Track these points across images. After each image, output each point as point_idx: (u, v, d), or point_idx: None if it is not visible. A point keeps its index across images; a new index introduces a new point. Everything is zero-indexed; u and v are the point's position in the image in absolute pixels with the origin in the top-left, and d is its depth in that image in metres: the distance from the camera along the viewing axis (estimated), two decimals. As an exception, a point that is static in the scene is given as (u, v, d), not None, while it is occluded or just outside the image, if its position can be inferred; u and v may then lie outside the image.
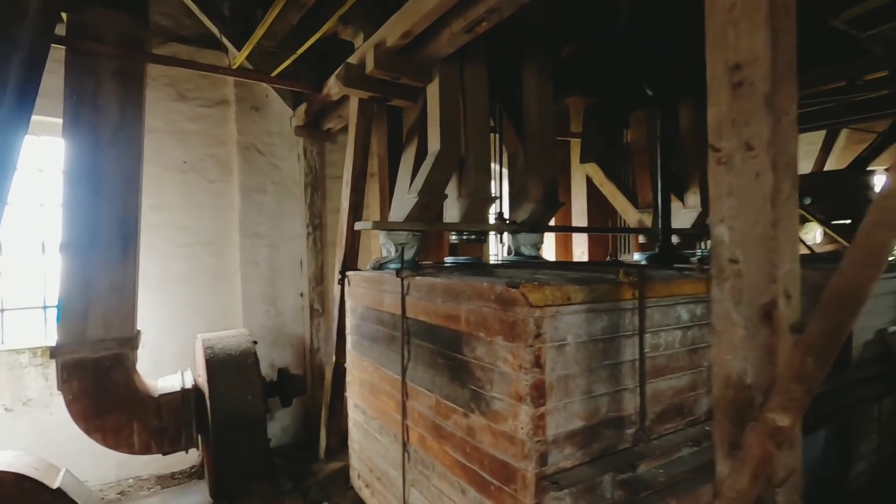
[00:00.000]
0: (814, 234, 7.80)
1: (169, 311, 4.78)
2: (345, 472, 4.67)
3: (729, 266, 1.40)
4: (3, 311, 4.36)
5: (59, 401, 3.72)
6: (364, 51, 3.44)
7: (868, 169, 6.77)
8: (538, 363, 1.80)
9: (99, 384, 3.50)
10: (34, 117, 4.28)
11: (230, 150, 5.10)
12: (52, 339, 3.82)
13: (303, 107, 4.97)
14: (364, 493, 3.28)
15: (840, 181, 7.23)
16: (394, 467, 2.81)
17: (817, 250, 7.11)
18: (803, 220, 7.30)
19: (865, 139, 7.04)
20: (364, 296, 3.18)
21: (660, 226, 3.78)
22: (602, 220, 6.15)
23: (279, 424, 5.23)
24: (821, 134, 7.60)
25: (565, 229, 5.52)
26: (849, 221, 6.85)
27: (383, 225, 3.31)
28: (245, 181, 5.07)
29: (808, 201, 7.21)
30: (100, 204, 3.50)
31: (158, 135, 4.74)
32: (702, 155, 4.98)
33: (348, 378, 3.49)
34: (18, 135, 2.33)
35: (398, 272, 2.65)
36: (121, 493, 4.39)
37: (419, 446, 2.53)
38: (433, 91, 3.50)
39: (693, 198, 5.01)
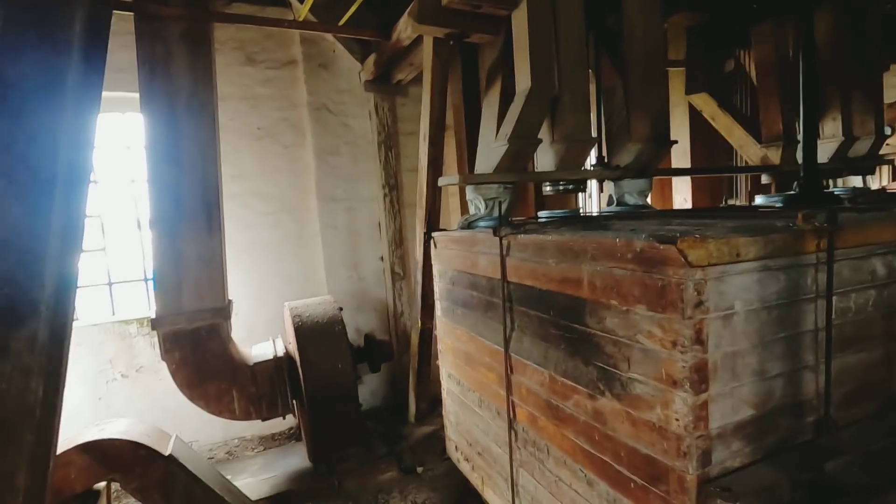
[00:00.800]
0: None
1: (258, 279, 4.81)
2: (436, 437, 4.59)
3: None
4: (111, 284, 4.59)
5: (166, 368, 3.87)
6: (439, -22, 2.99)
7: None
8: (699, 339, 1.40)
9: (197, 353, 3.56)
10: (118, 94, 4.36)
11: (301, 112, 4.91)
12: (153, 312, 3.97)
13: (371, 58, 4.63)
14: (463, 467, 3.10)
15: None
16: (497, 444, 2.57)
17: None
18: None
19: None
20: (454, 258, 2.88)
21: (804, 158, 3.08)
22: (709, 161, 5.35)
23: (368, 388, 5.23)
24: None
25: (679, 172, 4.83)
26: None
27: (471, 178, 2.95)
28: (318, 143, 4.89)
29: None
30: (181, 175, 3.44)
31: (232, 101, 4.64)
32: (846, 72, 4.06)
33: (439, 346, 3.26)
34: (91, 107, 2.19)
35: (495, 230, 2.30)
36: (228, 452, 4.61)
37: (529, 426, 2.24)
38: (520, 18, 2.99)
39: (832, 126, 4.14)
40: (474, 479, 2.93)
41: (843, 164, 4.31)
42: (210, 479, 3.24)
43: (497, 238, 2.29)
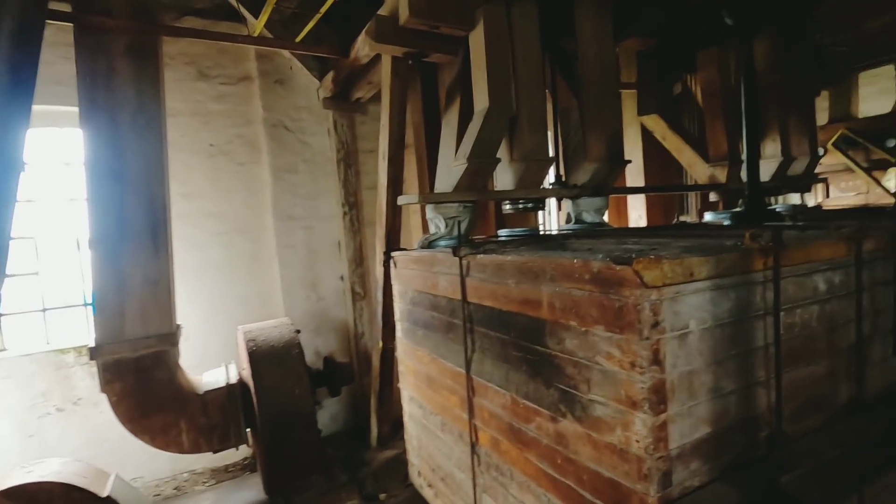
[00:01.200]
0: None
1: (210, 301, 4.59)
2: (399, 461, 4.45)
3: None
4: (45, 310, 4.26)
5: (104, 400, 3.60)
6: (396, -2, 2.99)
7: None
8: (656, 359, 1.40)
9: (141, 384, 3.33)
10: (56, 108, 4.12)
11: (257, 129, 4.79)
12: (91, 339, 3.70)
13: (330, 75, 4.58)
14: (426, 493, 3.00)
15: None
16: (460, 469, 2.50)
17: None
18: (887, 166, 6.47)
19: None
20: (414, 278, 2.83)
21: (747, 178, 3.23)
22: (662, 179, 5.56)
23: (327, 413, 5.05)
24: (902, 67, 6.65)
25: (634, 190, 4.98)
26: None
27: (431, 197, 2.93)
28: (275, 161, 4.77)
29: (892, 143, 6.38)
30: (125, 194, 3.25)
31: (183, 117, 4.47)
32: (783, 96, 4.32)
33: (401, 368, 3.18)
34: (20, 122, 2.05)
35: (455, 250, 2.27)
36: (176, 488, 4.32)
37: (492, 450, 2.19)
38: (477, 38, 3.03)
39: (772, 146, 4.38)
40: (438, 506, 2.84)
41: (783, 182, 4.55)
42: (154, 520, 3.01)
43: (457, 258, 2.26)
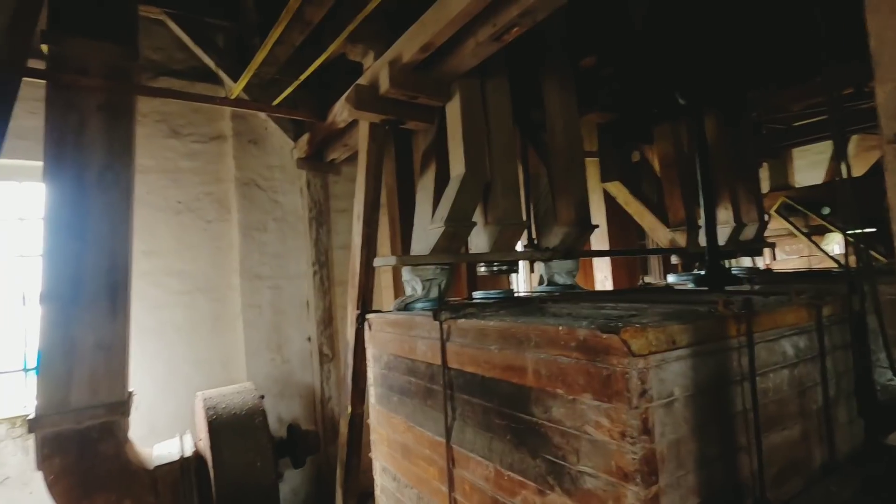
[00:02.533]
0: (837, 243, 7.48)
1: (165, 366, 4.32)
2: (366, 539, 4.15)
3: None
4: (-23, 376, 3.89)
5: (40, 477, 3.23)
6: (377, 69, 3.14)
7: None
8: (646, 428, 1.40)
9: (85, 459, 3.03)
10: (13, 161, 3.98)
11: (228, 187, 4.75)
12: (31, 409, 3.37)
13: (305, 137, 4.66)
14: (400, 577, 2.78)
15: (860, 189, 6.98)
16: (439, 549, 2.35)
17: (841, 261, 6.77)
18: (824, 231, 7.01)
19: (877, 145, 6.82)
20: (390, 342, 2.77)
21: (707, 243, 3.42)
22: (624, 242, 5.80)
23: (288, 485, 4.70)
24: (829, 143, 7.41)
25: (603, 253, 5.16)
26: (873, 230, 6.59)
27: (408, 260, 2.93)
28: (245, 219, 4.70)
29: (826, 211, 6.93)
30: (84, 252, 3.10)
31: (150, 174, 4.40)
32: (731, 168, 4.69)
33: (373, 437, 3.04)
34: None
35: (435, 314, 2.25)
36: (112, 580, 3.82)
37: (474, 527, 2.08)
38: (454, 109, 3.19)
39: (724, 213, 4.70)
40: (412, 592, 2.63)
41: (736, 246, 4.85)
42: None
43: (437, 322, 2.25)
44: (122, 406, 3.18)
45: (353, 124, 4.07)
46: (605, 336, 1.44)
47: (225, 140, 4.79)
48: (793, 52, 4.24)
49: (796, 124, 6.94)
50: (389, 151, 4.68)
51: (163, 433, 3.99)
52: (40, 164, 3.42)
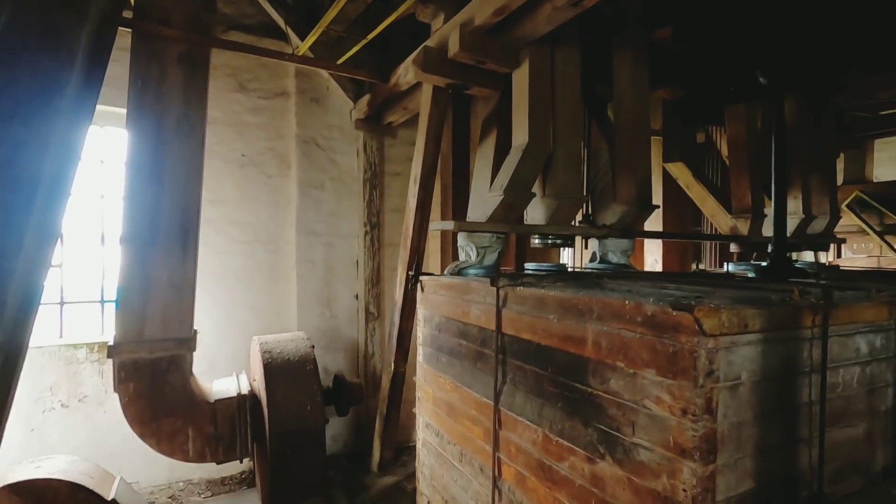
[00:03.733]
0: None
1: (224, 310, 4.60)
2: (399, 490, 4.37)
3: None
4: (62, 303, 4.26)
5: (113, 399, 3.55)
6: (446, 32, 3.10)
7: None
8: (709, 408, 1.40)
9: (155, 387, 3.31)
10: (100, 107, 4.22)
11: (289, 143, 4.88)
12: (109, 335, 3.68)
13: (366, 98, 4.69)
14: (435, 525, 2.93)
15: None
16: (477, 503, 2.45)
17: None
18: (899, 231, 6.54)
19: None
20: (443, 304, 2.84)
21: (774, 233, 3.27)
22: (679, 227, 5.62)
23: (329, 432, 4.93)
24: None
25: (662, 235, 5.02)
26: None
27: (466, 225, 2.96)
28: (303, 176, 4.84)
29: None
30: (161, 196, 3.30)
31: (218, 126, 4.56)
32: (807, 155, 4.41)
33: (419, 394, 3.16)
34: (84, 120, 2.11)
35: (493, 280, 2.29)
36: (171, 497, 4.23)
37: (516, 486, 2.16)
38: (521, 77, 3.13)
39: (793, 203, 4.44)
40: (447, 540, 2.78)
41: (803, 239, 4.61)
42: (154, 529, 2.94)
43: (494, 288, 2.28)
44: (188, 342, 3.44)
45: (415, 87, 4.06)
46: (676, 313, 1.43)
47: (288, 97, 4.89)
48: (887, 35, 3.88)
49: (882, 113, 6.41)
50: (447, 117, 4.66)
51: (220, 371, 4.28)
52: (120, 110, 3.64)
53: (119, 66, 3.28)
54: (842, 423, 1.78)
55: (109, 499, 2.73)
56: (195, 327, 3.55)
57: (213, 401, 3.50)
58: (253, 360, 3.95)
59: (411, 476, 4.41)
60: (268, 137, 4.81)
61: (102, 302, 4.39)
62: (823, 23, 3.73)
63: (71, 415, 4.05)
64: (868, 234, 6.69)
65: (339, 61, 4.29)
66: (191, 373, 3.50)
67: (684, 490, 1.42)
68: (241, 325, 4.62)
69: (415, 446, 3.31)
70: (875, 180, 7.07)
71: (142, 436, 3.29)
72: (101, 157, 4.44)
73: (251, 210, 4.71)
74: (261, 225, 4.76)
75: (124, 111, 3.26)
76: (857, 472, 1.84)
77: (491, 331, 2.33)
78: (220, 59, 4.52)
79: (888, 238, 6.59)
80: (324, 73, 4.84)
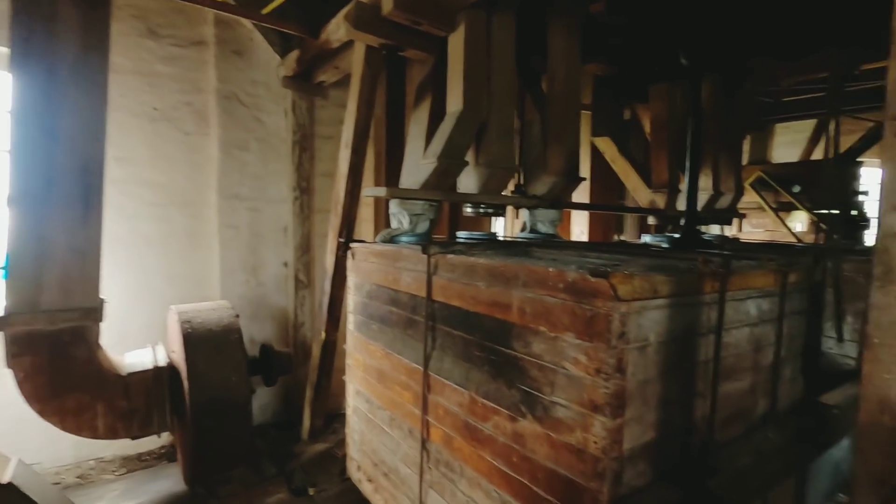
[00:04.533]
0: (800, 221, 7.81)
1: (136, 278, 4.26)
2: (330, 456, 4.38)
3: (903, 265, 1.11)
4: (-64, 271, 3.74)
5: (4, 375, 3.23)
6: (380, -13, 2.96)
7: (857, 160, 6.70)
8: (620, 367, 1.51)
9: (56, 361, 3.03)
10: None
11: (208, 98, 4.51)
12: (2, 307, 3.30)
13: (294, 54, 4.41)
14: (365, 487, 2.99)
15: (829, 171, 7.24)
16: (407, 465, 2.52)
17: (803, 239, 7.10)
18: (791, 208, 7.28)
19: (855, 130, 7.00)
20: (374, 272, 2.81)
21: (686, 207, 3.52)
22: (604, 199, 5.90)
23: (257, 403, 4.82)
24: (810, 122, 7.55)
25: (588, 207, 5.23)
26: (836, 212, 6.89)
27: (399, 192, 2.92)
28: (225, 135, 4.51)
29: (797, 189, 7.17)
30: (56, 150, 2.94)
31: (124, 75, 4.11)
32: (719, 136, 4.75)
33: (349, 361, 3.14)
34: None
35: (424, 248, 2.29)
36: (80, 476, 3.96)
37: (444, 446, 2.23)
38: (457, 41, 3.07)
39: (704, 180, 4.81)
40: (377, 501, 2.84)
41: (711, 213, 5.01)
42: (60, 510, 2.75)
43: (425, 256, 2.28)
44: (94, 312, 3.16)
45: (347, 45, 3.86)
46: (594, 280, 1.51)
47: (206, 47, 4.48)
48: (795, 26, 4.21)
49: (785, 99, 7.01)
50: (381, 81, 4.50)
51: (133, 343, 3.99)
52: (3, 49, 3.17)
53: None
54: (732, 378, 1.99)
55: (5, 482, 2.50)
56: (102, 296, 3.27)
57: (125, 374, 3.28)
58: (171, 331, 3.72)
59: (342, 442, 4.44)
60: (183, 91, 4.40)
61: (-10, 269, 3.90)
62: (741, 10, 3.96)
63: (-45, 394, 3.63)
64: (765, 210, 7.41)
65: (265, 11, 3.97)
66: (98, 345, 3.24)
67: (595, 442, 1.54)
68: (155, 295, 4.31)
69: (344, 414, 3.32)
70: (774, 161, 7.79)
71: (42, 413, 3.03)
72: (-19, 103, 3.86)
73: (165, 170, 4.34)
74: (177, 187, 4.41)
75: (6, 51, 2.84)
76: (741, 419, 2.08)
77: (422, 298, 2.35)
78: (124, -2, 4.03)
79: (781, 214, 7.34)
80: (247, 23, 4.46)
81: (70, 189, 3.00)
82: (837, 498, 2.90)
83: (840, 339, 2.42)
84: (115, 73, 3.95)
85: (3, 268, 2.89)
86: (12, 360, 2.93)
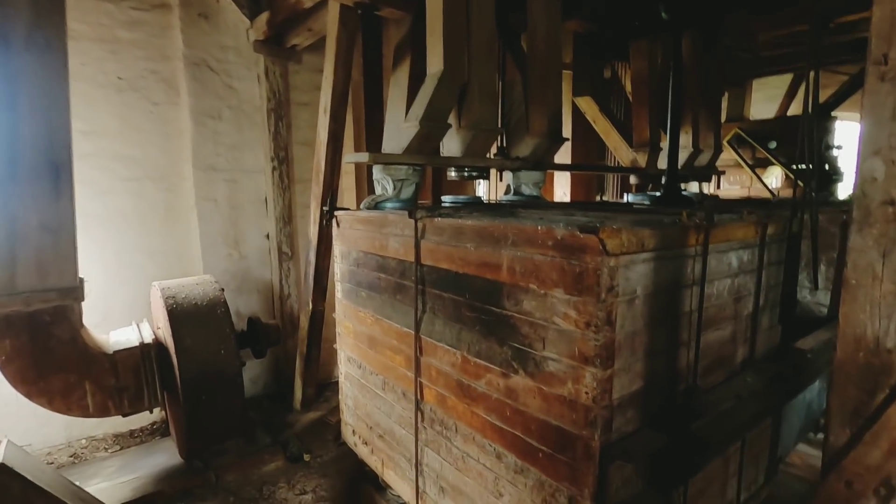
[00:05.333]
0: (775, 177, 7.96)
1: (115, 255, 4.16)
2: (323, 423, 4.45)
3: (880, 209, 1.15)
4: None
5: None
6: (353, -59, 2.82)
7: (832, 115, 6.79)
8: (609, 320, 1.55)
9: (38, 342, 2.97)
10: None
11: (176, 65, 4.31)
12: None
13: (264, 16, 4.21)
14: (361, 450, 3.06)
15: (805, 126, 7.33)
16: (402, 426, 2.58)
17: (778, 194, 7.26)
18: (767, 164, 7.40)
19: (828, 84, 7.07)
20: (360, 239, 2.79)
21: (668, 165, 3.56)
22: (585, 159, 5.91)
23: (247, 375, 4.81)
24: (787, 78, 7.59)
25: (572, 168, 5.23)
26: (810, 166, 7.02)
27: (381, 158, 2.86)
28: (196, 104, 4.34)
29: (773, 145, 7.27)
30: (18, 125, 2.80)
31: (84, 42, 3.90)
32: (698, 92, 4.75)
33: (339, 329, 3.16)
34: None
35: (410, 212, 2.27)
36: (73, 455, 3.96)
37: (438, 406, 2.28)
38: (435, -1, 2.96)
39: (684, 138, 4.82)
40: (373, 462, 2.91)
41: (690, 171, 5.06)
42: (55, 487, 2.75)
43: (412, 220, 2.27)
44: (74, 291, 3.08)
45: (321, 6, 3.70)
46: (583, 235, 1.52)
47: (170, 10, 4.25)
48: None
49: (762, 55, 7.00)
50: (357, 43, 4.35)
51: (116, 322, 3.94)
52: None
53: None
54: (713, 328, 2.06)
55: (-3, 463, 2.49)
56: (81, 275, 3.19)
57: (111, 352, 3.24)
58: (155, 308, 3.67)
59: (335, 410, 4.51)
60: (149, 58, 4.19)
61: (-44, 251, 3.75)
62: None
63: (-66, 380, 3.55)
64: (742, 167, 7.52)
65: (230, -31, 3.77)
66: (81, 324, 3.18)
67: (586, 392, 1.59)
68: (136, 272, 4.23)
69: (336, 382, 3.36)
70: (751, 118, 7.85)
71: (28, 395, 2.99)
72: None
73: (136, 143, 4.17)
74: (150, 160, 4.26)
75: (-49, 17, 2.65)
76: (722, 366, 2.17)
77: (410, 262, 2.35)
78: (76, -43, 3.77)
79: (758, 171, 7.46)
80: (211, -17, 4.24)
81: (36, 164, 2.88)
82: (809, 436, 3.07)
83: (815, 287, 2.51)
84: (74, 41, 3.73)
85: (-28, 249, 2.77)
86: (-8, 344, 2.86)
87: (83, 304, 3.22)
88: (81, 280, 3.17)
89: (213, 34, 4.39)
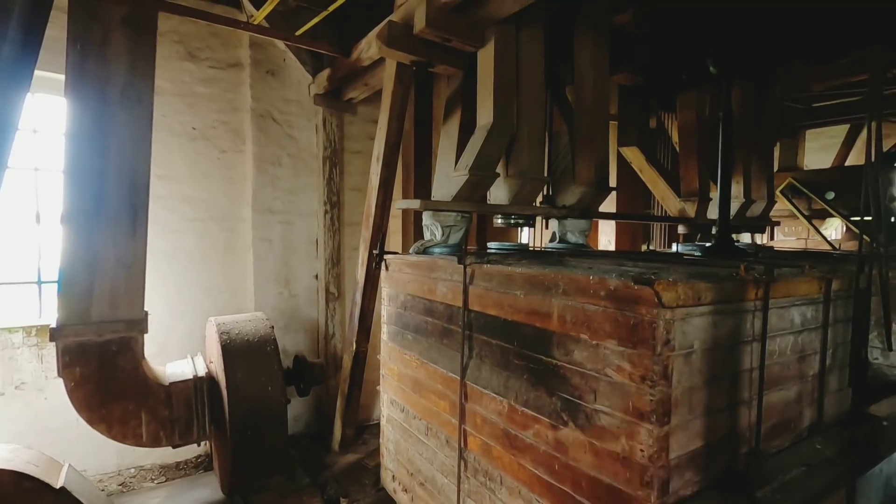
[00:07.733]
0: (834, 229, 7.59)
1: (176, 290, 4.41)
2: (361, 466, 4.41)
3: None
4: (-8, 284, 3.96)
5: (55, 384, 3.37)
6: (412, 6, 3.05)
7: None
8: (666, 374, 1.51)
9: (104, 370, 3.16)
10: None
11: (243, 117, 4.68)
12: (47, 318, 3.45)
13: (325, 73, 4.55)
14: (400, 497, 3.00)
15: (869, 176, 7.03)
16: (444, 474, 2.53)
17: (839, 247, 6.91)
18: (825, 216, 7.08)
19: (890, 135, 6.80)
20: (408, 282, 2.86)
21: (720, 215, 3.48)
22: (631, 208, 5.86)
23: (290, 413, 4.87)
24: (843, 127, 7.37)
25: (620, 217, 5.21)
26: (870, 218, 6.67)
27: (432, 204, 2.97)
28: (259, 152, 4.67)
29: (831, 196, 6.98)
30: (107, 169, 3.11)
31: (166, 97, 4.31)
32: (749, 143, 4.69)
33: (383, 371, 3.18)
34: (22, 87, 1.95)
35: (460, 258, 2.33)
36: (122, 484, 4.08)
37: (482, 455, 2.24)
38: (486, 56, 3.13)
39: (735, 188, 4.73)
40: (412, 511, 2.85)
41: (743, 222, 4.93)
42: (107, 515, 2.84)
43: (461, 266, 2.32)
44: (139, 323, 3.29)
45: (377, 63, 3.98)
46: (637, 287, 1.52)
47: (242, 68, 4.67)
48: (824, 30, 4.15)
49: (815, 105, 6.86)
50: (410, 96, 4.61)
51: (173, 353, 4.14)
52: (56, 75, 3.38)
53: (54, 29, 3.00)
54: (777, 387, 1.96)
55: (58, 486, 2.61)
56: (146, 308, 3.40)
57: (167, 384, 3.39)
58: (209, 342, 3.83)
59: (373, 453, 4.47)
60: (220, 110, 4.58)
61: (40, 283, 4.10)
62: (770, 15, 3.94)
63: (7, 402, 3.80)
64: (798, 218, 7.23)
65: (298, 32, 4.13)
66: (143, 355, 3.36)
67: (642, 450, 1.53)
68: (194, 306, 4.46)
69: (375, 424, 3.36)
70: (805, 168, 7.61)
71: (90, 422, 3.15)
72: (34, 126, 4.09)
73: (203, 186, 4.51)
74: (214, 202, 4.57)
75: (59, 76, 3.03)
76: (788, 430, 2.04)
77: (457, 307, 2.38)
78: (166, 24, 4.24)
79: (815, 222, 7.15)
80: (280, 44, 4.64)
81: (119, 205, 3.16)
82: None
83: (888, 348, 2.35)
84: (158, 95, 4.13)
85: (55, 282, 3.03)
86: (64, 370, 3.06)
87: (146, 335, 3.42)
88: (146, 312, 3.38)
89: (279, 89, 4.77)
